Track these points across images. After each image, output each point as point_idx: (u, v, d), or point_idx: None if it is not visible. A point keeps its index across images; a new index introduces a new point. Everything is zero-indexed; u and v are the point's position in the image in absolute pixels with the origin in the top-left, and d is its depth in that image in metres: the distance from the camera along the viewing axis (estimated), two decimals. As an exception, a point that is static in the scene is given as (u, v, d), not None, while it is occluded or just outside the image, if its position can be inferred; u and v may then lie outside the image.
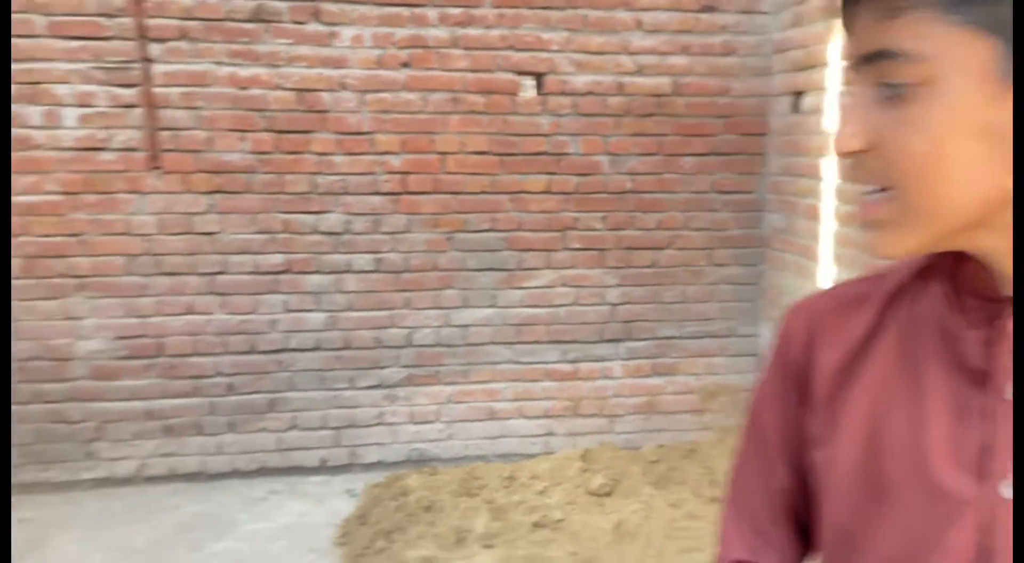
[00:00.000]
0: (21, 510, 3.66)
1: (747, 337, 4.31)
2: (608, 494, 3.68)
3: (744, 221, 4.23)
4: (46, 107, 3.68)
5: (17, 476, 3.84)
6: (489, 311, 4.13)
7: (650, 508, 3.55)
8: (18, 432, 3.84)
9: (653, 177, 4.12)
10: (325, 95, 3.85)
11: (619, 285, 4.19)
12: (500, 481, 3.77)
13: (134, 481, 3.94)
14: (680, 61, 4.06)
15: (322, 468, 4.08)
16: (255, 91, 3.80)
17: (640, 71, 4.03)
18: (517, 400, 4.20)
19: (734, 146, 4.17)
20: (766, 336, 4.23)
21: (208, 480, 3.96)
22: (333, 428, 4.09)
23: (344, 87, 3.85)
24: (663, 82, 4.06)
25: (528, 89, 4.00)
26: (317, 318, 4.01)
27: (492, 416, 4.20)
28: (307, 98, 3.84)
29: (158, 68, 3.71)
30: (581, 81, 4.00)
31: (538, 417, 4.23)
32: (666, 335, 4.25)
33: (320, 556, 3.31)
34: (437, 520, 3.44)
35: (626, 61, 4.02)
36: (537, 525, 3.40)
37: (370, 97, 3.88)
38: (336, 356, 4.05)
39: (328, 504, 3.74)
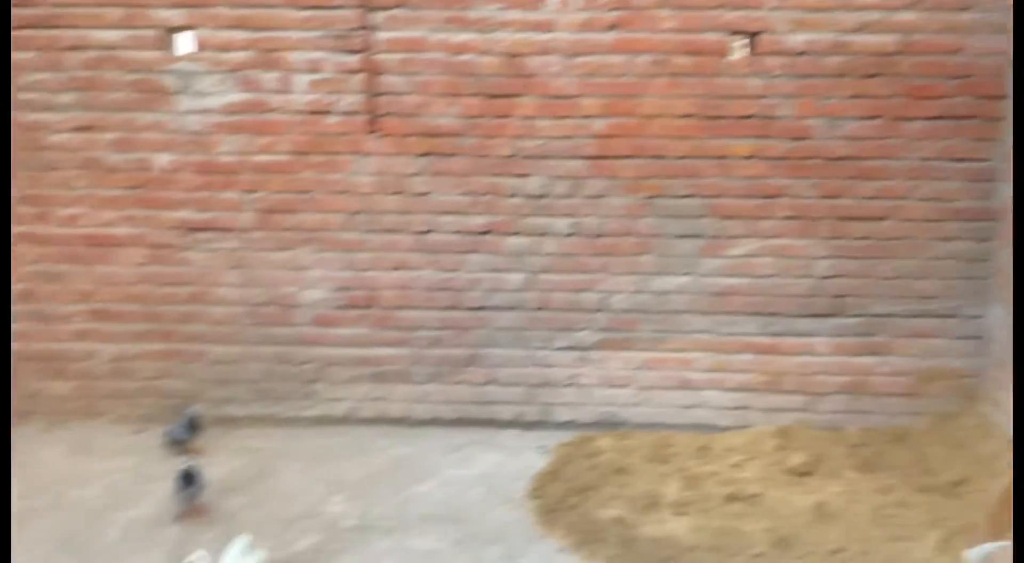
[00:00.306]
0: (250, 440, 4.08)
1: (973, 319, 3.96)
2: (808, 473, 3.53)
3: (976, 191, 3.86)
4: (280, 73, 3.99)
5: (247, 410, 4.27)
6: (687, 279, 4.05)
7: (855, 492, 3.38)
8: (249, 370, 4.26)
9: (874, 142, 3.85)
10: (531, 59, 3.90)
11: (829, 257, 3.97)
12: (693, 451, 3.73)
13: (347, 421, 4.27)
14: (908, 17, 3.74)
15: (516, 423, 4.21)
16: (466, 56, 3.92)
17: (863, 29, 3.76)
18: (712, 371, 4.12)
19: (968, 109, 3.80)
20: (997, 318, 3.85)
21: (412, 426, 4.21)
22: (528, 385, 4.21)
23: (551, 51, 3.88)
24: (888, 40, 3.76)
25: (739, 50, 3.85)
26: (516, 278, 4.12)
27: (685, 385, 4.15)
28: (514, 63, 3.91)
29: (379, 35, 3.92)
30: (797, 40, 3.79)
31: (734, 390, 4.12)
32: (880, 312, 3.99)
33: (514, 507, 3.44)
34: (628, 483, 3.47)
35: (847, 18, 3.76)
36: (731, 498, 3.34)
37: (575, 61, 3.89)
38: (533, 316, 4.15)
39: (521, 458, 3.86)
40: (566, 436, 4.03)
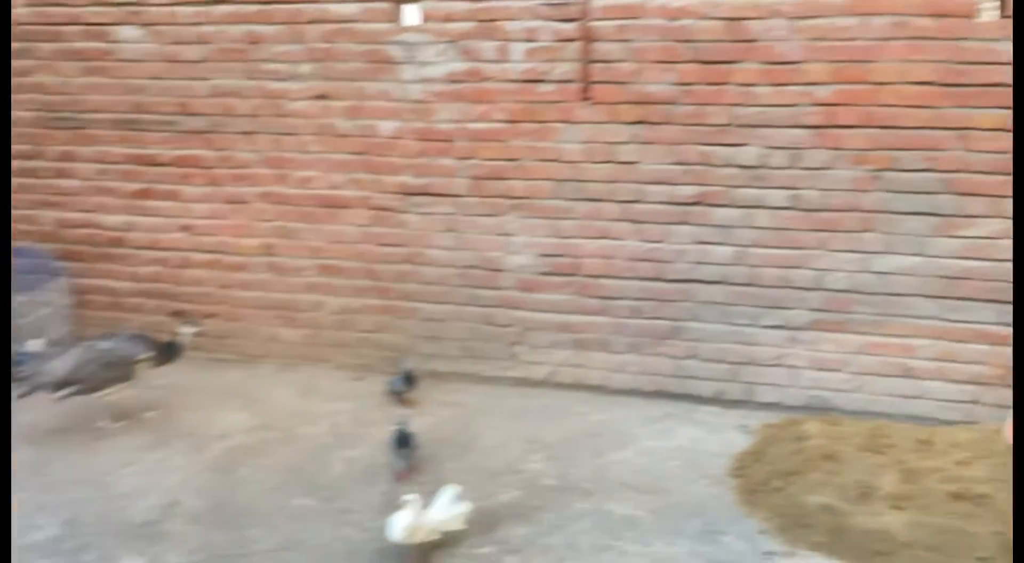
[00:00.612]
0: (455, 395, 4.29)
1: None
2: (1047, 479, 3.19)
3: None
4: (498, 43, 4.10)
5: (453, 366, 4.49)
6: (916, 259, 3.76)
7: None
8: (457, 329, 4.47)
9: None
10: (755, 23, 3.74)
11: (1088, 241, 3.52)
12: (913, 443, 3.48)
13: (546, 385, 4.37)
14: None
15: (716, 400, 4.13)
16: (684, 22, 3.82)
17: None
18: (939, 360, 3.81)
19: None
20: None
21: (610, 394, 4.24)
22: (731, 363, 4.10)
23: (776, 15, 3.70)
24: None
25: (987, 11, 3.47)
26: (724, 252, 4.00)
27: (907, 373, 3.86)
28: (735, 27, 3.77)
29: (596, 2, 3.90)
30: (1066, -4, 3.36)
31: (963, 382, 3.79)
32: None
33: (714, 483, 3.38)
34: (839, 471, 3.29)
35: None
36: (956, 496, 3.08)
37: (803, 24, 3.68)
38: (740, 292, 4.02)
39: (722, 435, 3.78)
40: (771, 417, 3.90)
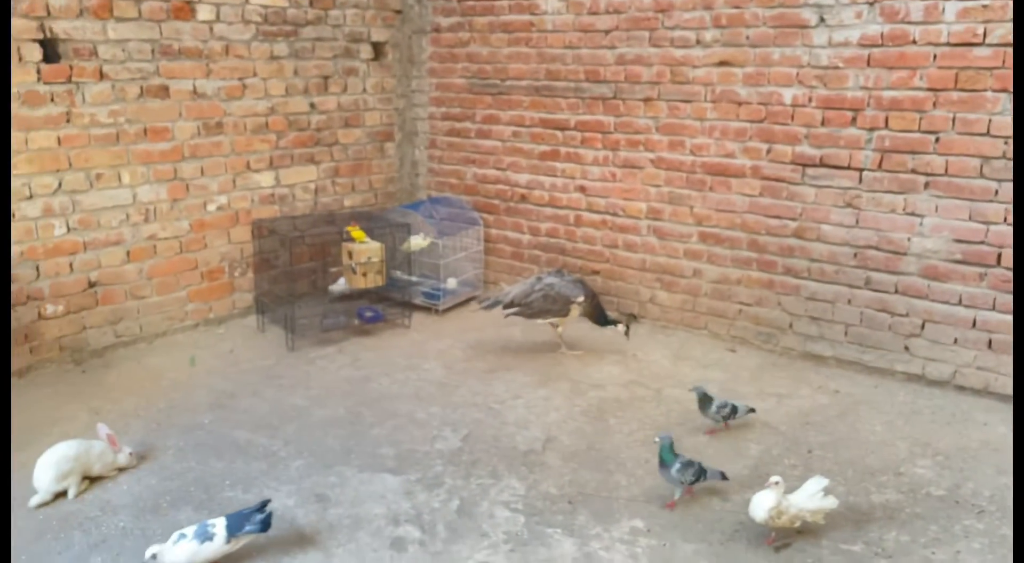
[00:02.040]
0: (833, 381, 4.05)
1: None
2: None
3: None
4: (928, 1, 3.68)
5: (836, 351, 4.23)
6: None
7: None
8: (843, 311, 4.19)
9: None
10: None
11: None
12: None
13: (945, 385, 3.93)
14: None
15: None
16: None
17: None
18: None
19: None
20: None
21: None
22: None
23: None
24: None
25: None
26: None
27: None
28: None
29: (1064, -52, 3.30)
30: None
31: None
32: None
33: None
34: None
35: None
36: None
37: None
38: None
39: None
40: None
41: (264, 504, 2.67)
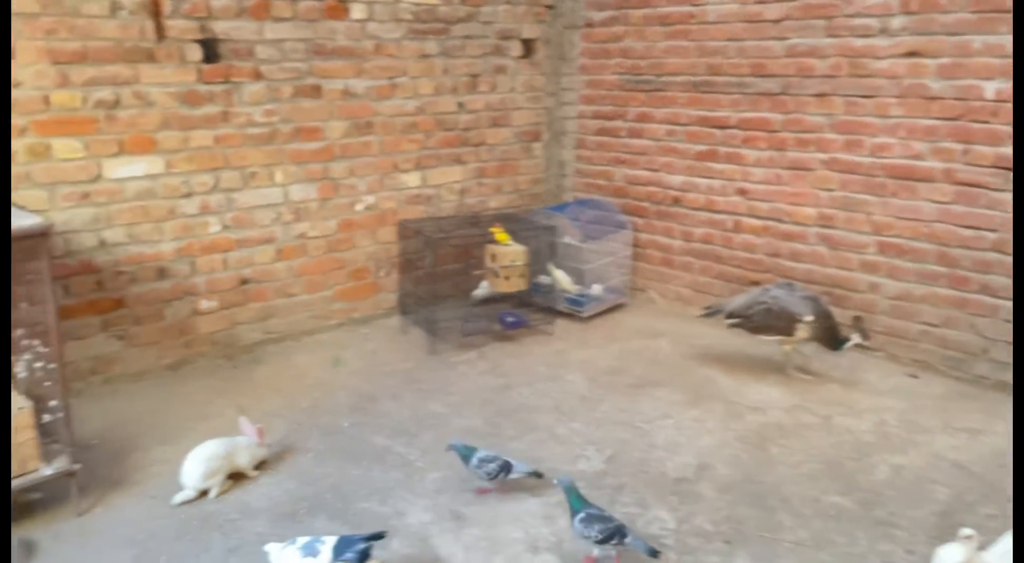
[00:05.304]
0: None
1: None
2: None
3: None
4: None
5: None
6: None
7: None
8: (1050, 338, 3.63)
9: None
10: None
11: None
12: None
13: None
14: None
15: None
16: None
17: None
18: None
19: None
20: None
21: None
22: None
23: None
24: None
25: None
26: None
27: None
28: None
29: None
30: None
31: None
32: None
33: None
34: None
35: None
36: None
37: None
38: None
39: None
40: None
41: (378, 535, 2.52)
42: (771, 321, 3.94)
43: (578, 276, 5.00)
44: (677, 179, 4.97)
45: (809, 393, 3.86)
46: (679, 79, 4.81)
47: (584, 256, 4.92)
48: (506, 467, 3.00)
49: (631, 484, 3.11)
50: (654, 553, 2.56)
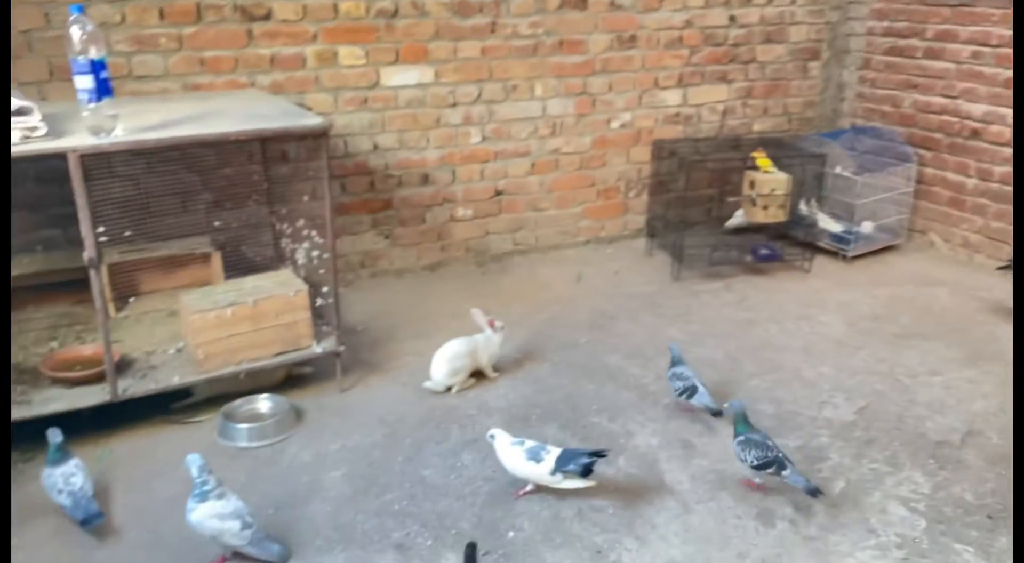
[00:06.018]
0: None
1: None
2: None
3: None
4: None
5: None
6: None
7: None
8: None
9: None
10: None
11: None
12: None
13: None
14: None
15: None
16: None
17: None
18: None
19: None
20: None
21: None
22: None
23: None
24: None
25: None
26: None
27: None
28: None
29: None
30: None
31: None
32: None
33: None
34: None
35: None
36: None
37: None
38: None
39: None
40: None
41: (601, 453, 2.50)
42: None
43: (848, 211, 4.57)
44: (979, 108, 4.32)
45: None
46: (998, -11, 4.13)
47: (857, 189, 4.48)
48: (691, 390, 2.91)
49: (883, 440, 2.84)
50: (815, 492, 2.42)
